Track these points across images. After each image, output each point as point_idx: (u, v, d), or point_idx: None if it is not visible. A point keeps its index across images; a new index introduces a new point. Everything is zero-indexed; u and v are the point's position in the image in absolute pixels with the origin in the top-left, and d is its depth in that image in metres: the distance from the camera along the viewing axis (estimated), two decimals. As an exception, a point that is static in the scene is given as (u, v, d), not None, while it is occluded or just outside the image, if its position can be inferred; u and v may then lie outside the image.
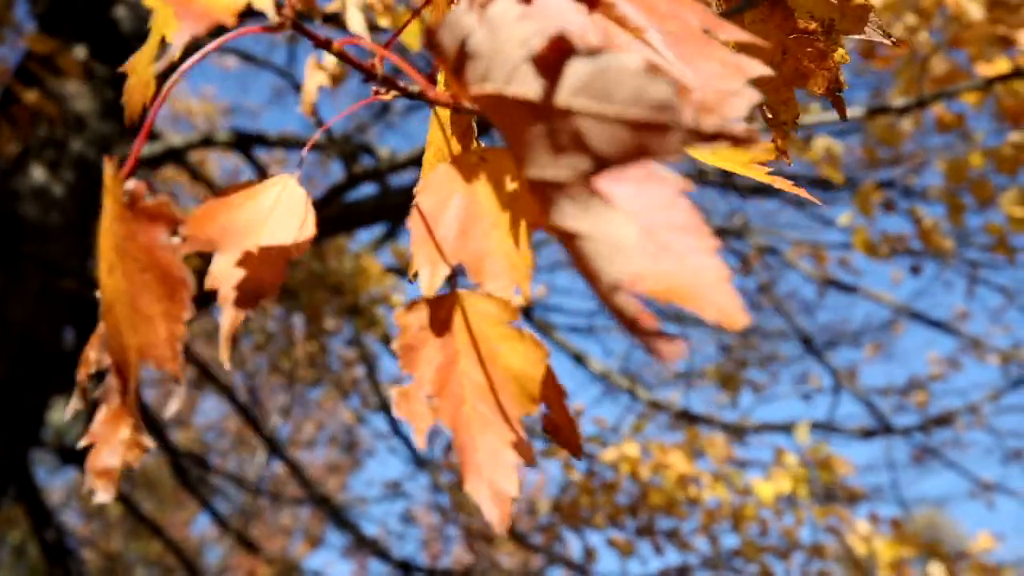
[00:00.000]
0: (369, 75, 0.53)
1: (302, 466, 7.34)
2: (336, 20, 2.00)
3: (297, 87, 4.32)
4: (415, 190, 0.66)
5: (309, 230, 0.58)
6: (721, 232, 5.65)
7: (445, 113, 0.64)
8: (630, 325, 0.36)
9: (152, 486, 8.76)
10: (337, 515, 5.78)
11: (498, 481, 0.53)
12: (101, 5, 4.25)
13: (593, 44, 0.36)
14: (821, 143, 3.76)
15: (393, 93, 0.53)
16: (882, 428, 6.00)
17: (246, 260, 0.56)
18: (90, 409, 0.54)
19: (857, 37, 0.75)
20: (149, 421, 4.44)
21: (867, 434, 6.00)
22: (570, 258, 0.40)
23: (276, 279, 0.57)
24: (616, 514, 4.82)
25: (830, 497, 5.12)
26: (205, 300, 0.56)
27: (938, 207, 4.28)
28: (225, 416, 9.06)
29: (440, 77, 0.62)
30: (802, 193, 0.70)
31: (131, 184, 0.46)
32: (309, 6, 1.94)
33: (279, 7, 0.49)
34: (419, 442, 0.53)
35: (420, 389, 0.54)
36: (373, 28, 1.89)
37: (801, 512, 4.79)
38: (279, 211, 0.58)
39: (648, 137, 0.36)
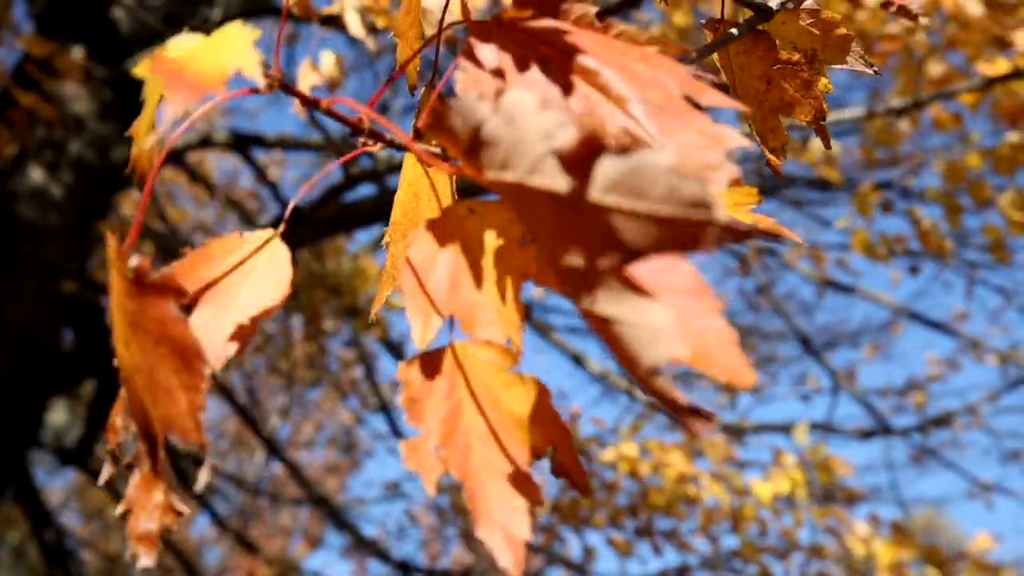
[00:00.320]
0: (356, 130, 0.55)
1: (301, 467, 7.35)
2: (334, 22, 2.00)
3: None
4: (386, 232, 0.68)
5: (284, 289, 0.58)
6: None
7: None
8: (669, 405, 0.38)
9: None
10: (336, 515, 5.78)
11: (510, 525, 0.54)
12: (99, 6, 4.25)
13: (624, 142, 0.37)
14: (818, 144, 3.76)
15: (380, 145, 0.55)
16: (881, 429, 6.00)
17: (224, 314, 0.57)
18: (113, 464, 0.55)
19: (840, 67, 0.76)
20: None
21: (866, 435, 6.00)
22: (602, 339, 0.41)
23: (249, 337, 0.58)
24: (615, 514, 4.82)
25: (829, 498, 5.12)
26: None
27: (936, 208, 4.28)
28: (224, 417, 9.06)
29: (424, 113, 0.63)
30: (788, 234, 0.71)
31: (135, 260, 0.47)
32: (306, 9, 1.94)
33: (266, 68, 0.50)
34: (430, 491, 0.54)
35: (428, 441, 0.54)
36: (372, 30, 1.89)
37: (800, 512, 4.80)
38: (261, 268, 0.59)
39: (682, 233, 0.37)
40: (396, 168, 3.63)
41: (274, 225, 0.58)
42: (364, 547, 5.89)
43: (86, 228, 4.12)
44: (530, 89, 0.46)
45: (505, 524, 0.54)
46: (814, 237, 6.67)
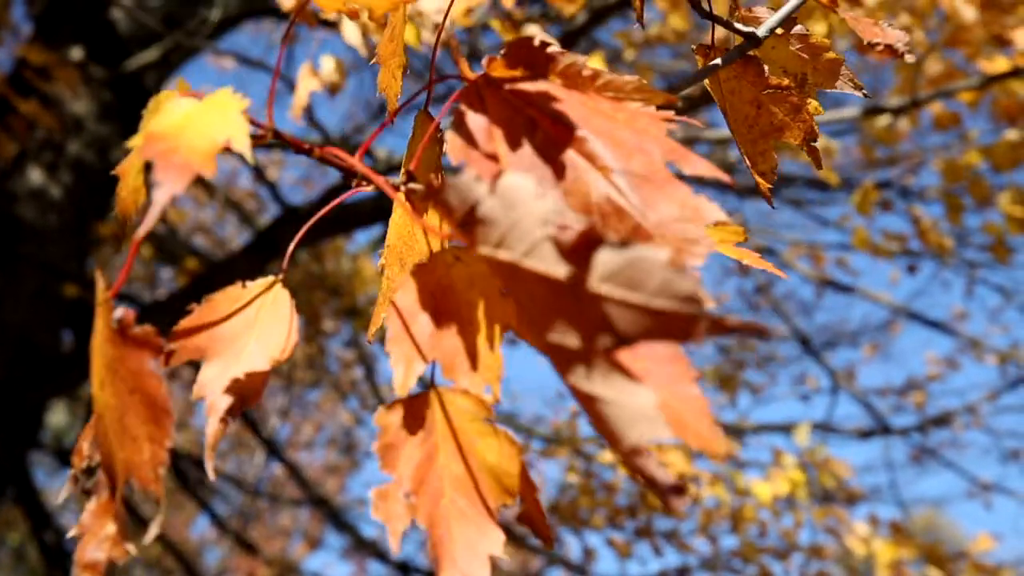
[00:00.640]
0: (349, 173, 0.56)
1: (301, 467, 7.35)
2: (332, 25, 2.00)
3: (294, 89, 4.32)
4: (382, 255, 0.69)
5: (293, 337, 0.60)
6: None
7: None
8: (649, 484, 0.39)
9: (151, 488, 8.72)
10: (336, 516, 5.78)
11: (473, 572, 0.55)
12: (98, 7, 4.25)
13: (622, 235, 0.40)
14: (818, 143, 3.76)
15: (373, 186, 0.56)
16: (880, 428, 6.00)
17: (232, 380, 0.59)
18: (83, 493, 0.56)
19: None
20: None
21: (865, 434, 6.00)
22: (585, 415, 0.43)
23: (260, 387, 0.59)
24: (615, 515, 4.82)
25: (828, 498, 5.12)
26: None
27: (936, 207, 4.29)
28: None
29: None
30: (772, 270, 0.73)
31: (119, 312, 0.48)
32: (304, 13, 1.94)
33: (259, 126, 0.52)
34: (394, 546, 0.54)
35: (399, 488, 0.55)
36: (368, 34, 1.89)
37: (800, 513, 4.80)
38: (265, 317, 0.61)
39: (673, 325, 0.39)
40: (395, 168, 3.63)
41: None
42: (364, 548, 5.89)
43: (85, 229, 4.12)
44: (521, 162, 0.51)
45: (468, 571, 0.55)
46: (813, 236, 6.67)
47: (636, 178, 0.52)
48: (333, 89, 1.96)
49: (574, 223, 0.41)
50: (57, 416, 7.12)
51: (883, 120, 3.55)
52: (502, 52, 0.55)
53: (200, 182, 5.42)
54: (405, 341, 0.56)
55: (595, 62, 3.13)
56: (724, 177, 0.51)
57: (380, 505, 0.55)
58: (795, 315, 6.98)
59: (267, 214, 6.66)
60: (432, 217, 0.67)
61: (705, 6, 0.76)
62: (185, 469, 5.21)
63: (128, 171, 0.56)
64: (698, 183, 0.52)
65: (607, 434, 0.41)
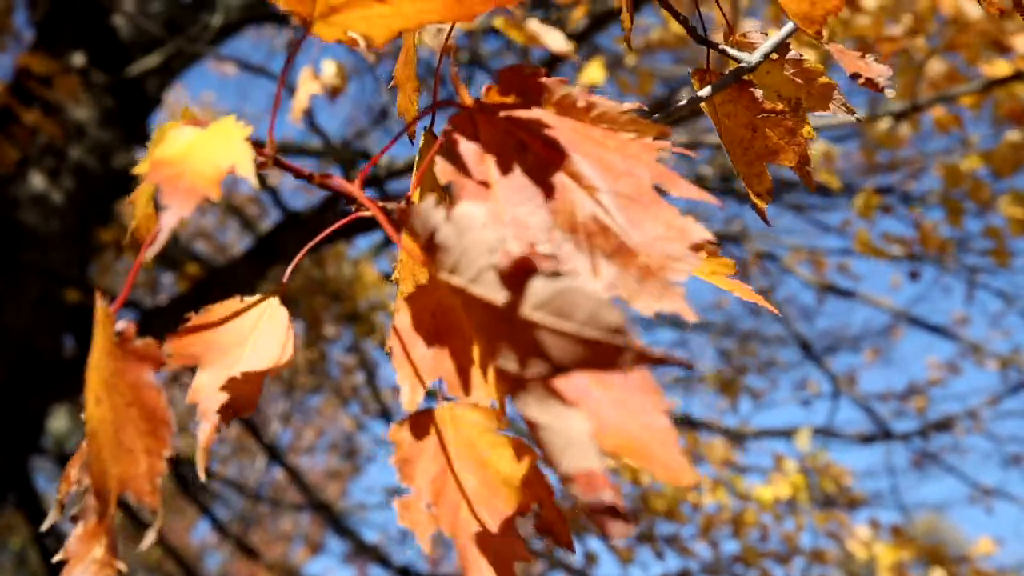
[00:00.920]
0: (348, 199, 0.58)
1: (302, 472, 7.34)
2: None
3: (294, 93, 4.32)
4: (395, 268, 0.71)
5: (289, 351, 0.62)
6: (719, 238, 5.65)
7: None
8: (586, 510, 0.40)
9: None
10: (337, 521, 5.77)
11: None
12: (99, 13, 4.26)
13: (554, 266, 0.41)
14: (818, 148, 3.76)
15: (371, 212, 0.57)
16: (881, 433, 6.00)
17: (227, 380, 0.61)
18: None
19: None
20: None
21: (866, 439, 6.00)
22: (532, 439, 0.44)
23: (253, 397, 0.61)
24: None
25: (830, 502, 5.12)
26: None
27: (937, 212, 4.29)
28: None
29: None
30: (763, 303, 0.75)
31: (121, 325, 0.49)
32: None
33: (261, 148, 0.54)
34: (425, 548, 0.56)
35: (420, 499, 0.57)
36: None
37: (801, 517, 4.79)
38: (261, 331, 0.63)
39: (601, 354, 0.41)
40: (396, 173, 3.63)
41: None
42: (365, 553, 5.89)
43: (87, 234, 4.12)
44: (511, 184, 0.53)
45: None
46: (814, 241, 6.67)
47: (622, 198, 0.52)
48: (334, 92, 1.96)
49: (514, 251, 0.42)
50: (59, 421, 7.12)
51: (884, 124, 3.56)
52: (495, 79, 0.56)
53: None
54: (407, 362, 0.58)
55: (595, 69, 3.13)
56: (712, 200, 0.52)
57: (405, 515, 0.57)
58: (796, 320, 6.97)
59: (268, 219, 6.67)
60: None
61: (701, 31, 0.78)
62: (186, 474, 5.21)
63: (139, 199, 0.57)
64: (702, 189, 0.53)
65: (548, 459, 0.42)
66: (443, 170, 0.54)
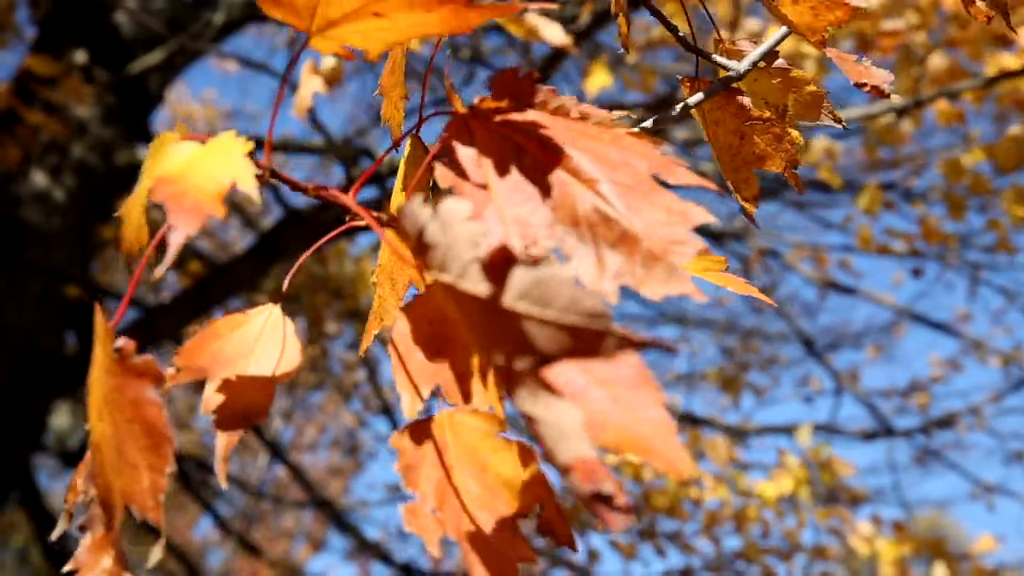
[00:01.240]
0: (343, 208, 0.59)
1: (304, 469, 7.35)
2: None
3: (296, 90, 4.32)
4: (374, 272, 0.73)
5: (294, 358, 0.64)
6: (721, 235, 5.65)
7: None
8: (584, 500, 0.41)
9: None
10: (339, 518, 5.78)
11: None
12: (101, 10, 4.26)
13: (533, 254, 0.42)
14: (820, 144, 3.76)
15: (365, 222, 0.58)
16: (884, 430, 5.99)
17: (235, 388, 0.63)
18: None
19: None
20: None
21: (869, 436, 6.00)
22: (531, 437, 0.46)
23: (265, 403, 0.63)
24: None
25: (832, 499, 5.11)
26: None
27: (939, 208, 4.28)
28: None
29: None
30: (757, 295, 0.76)
31: (121, 342, 0.50)
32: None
33: (258, 165, 0.54)
34: (433, 552, 0.57)
35: (424, 505, 0.58)
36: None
37: (803, 514, 4.79)
38: (265, 339, 0.64)
39: (584, 340, 0.41)
40: (397, 171, 3.63)
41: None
42: (367, 550, 5.89)
43: (89, 232, 4.12)
44: (509, 185, 0.53)
45: None
46: (816, 238, 6.67)
47: (621, 187, 0.53)
48: (331, 82, 1.96)
49: (495, 242, 0.43)
50: (60, 418, 7.12)
51: (886, 119, 3.55)
52: (489, 84, 0.57)
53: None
54: (403, 371, 0.59)
55: (600, 73, 3.12)
56: (711, 185, 0.53)
57: (412, 520, 0.57)
58: (799, 317, 6.97)
59: (270, 217, 6.67)
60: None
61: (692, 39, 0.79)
62: (188, 471, 5.22)
63: (131, 210, 0.58)
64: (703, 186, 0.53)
65: (546, 453, 0.42)
66: (442, 175, 0.55)
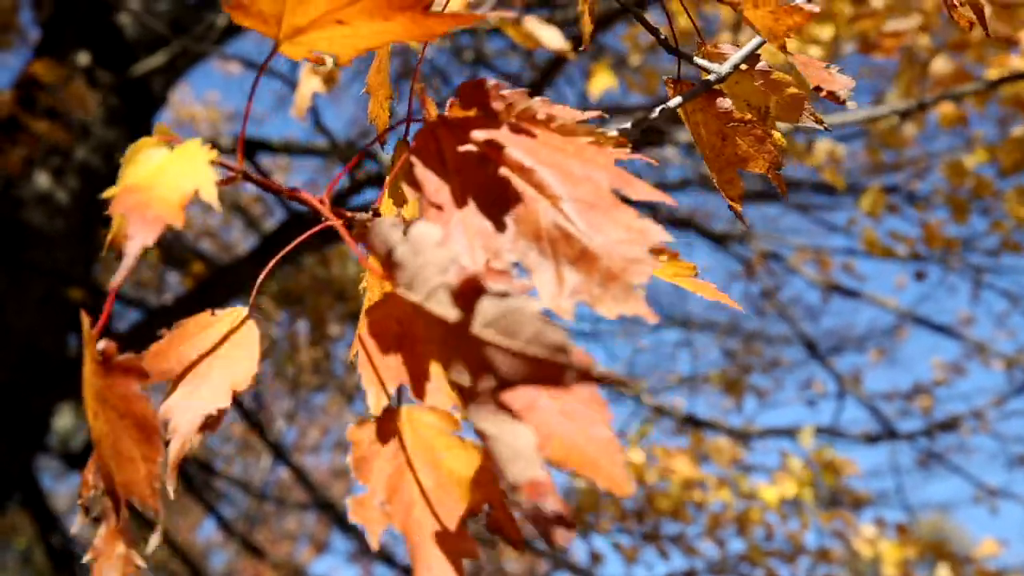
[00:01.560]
0: (315, 211, 0.60)
1: (307, 471, 7.34)
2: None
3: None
4: (362, 278, 0.73)
5: (254, 366, 0.64)
6: (724, 237, 5.65)
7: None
8: (530, 518, 0.42)
9: (157, 492, 8.71)
10: (342, 520, 5.77)
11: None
12: (104, 12, 4.27)
13: (500, 287, 0.44)
14: (823, 147, 3.76)
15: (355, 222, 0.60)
16: (887, 433, 5.99)
17: (197, 393, 0.64)
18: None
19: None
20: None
21: (872, 439, 5.99)
22: (483, 448, 0.48)
23: (221, 413, 0.64)
24: (622, 519, 4.81)
25: (835, 501, 5.11)
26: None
27: (942, 212, 4.28)
28: (230, 421, 9.07)
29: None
30: (727, 301, 0.76)
31: (102, 344, 0.52)
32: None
33: (230, 168, 0.56)
34: (373, 544, 0.58)
35: (373, 497, 0.59)
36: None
37: (806, 516, 4.79)
38: (230, 344, 0.65)
39: (546, 371, 0.43)
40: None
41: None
42: (370, 552, 5.89)
43: (92, 233, 4.13)
44: (473, 196, 0.55)
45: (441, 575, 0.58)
46: (819, 241, 6.66)
47: (583, 204, 0.54)
48: (328, 83, 1.96)
49: (467, 268, 0.44)
50: (63, 419, 7.13)
51: (888, 121, 3.55)
52: (456, 94, 0.58)
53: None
54: (370, 368, 0.61)
55: (604, 75, 3.12)
56: (668, 200, 0.54)
57: (358, 511, 0.59)
58: (801, 320, 6.96)
59: (273, 219, 6.67)
60: None
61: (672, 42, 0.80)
62: (191, 473, 5.22)
63: (115, 213, 0.59)
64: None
65: (496, 468, 0.43)
66: (407, 185, 0.56)
